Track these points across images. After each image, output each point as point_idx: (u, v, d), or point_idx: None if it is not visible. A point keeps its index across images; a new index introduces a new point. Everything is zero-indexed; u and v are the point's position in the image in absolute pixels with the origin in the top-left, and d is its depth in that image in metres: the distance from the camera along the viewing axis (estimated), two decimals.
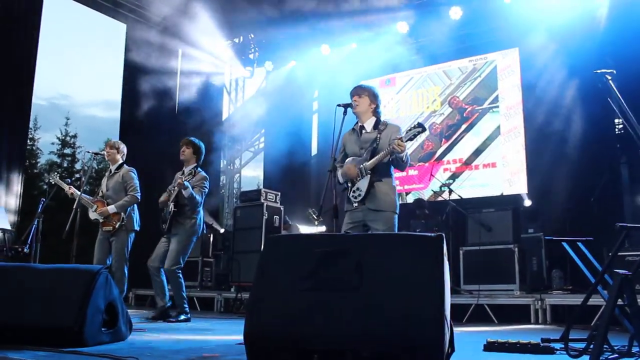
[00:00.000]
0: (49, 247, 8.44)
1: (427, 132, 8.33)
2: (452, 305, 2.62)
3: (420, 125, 3.83)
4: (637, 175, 6.97)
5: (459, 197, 7.62)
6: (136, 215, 5.61)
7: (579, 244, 3.24)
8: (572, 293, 6.01)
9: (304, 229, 8.54)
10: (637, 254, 5.00)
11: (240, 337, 2.35)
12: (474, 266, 6.57)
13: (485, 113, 8.91)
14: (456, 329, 2.58)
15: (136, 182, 5.56)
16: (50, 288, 3.19)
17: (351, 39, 9.91)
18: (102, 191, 5.63)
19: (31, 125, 21.22)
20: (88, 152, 5.77)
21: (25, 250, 6.51)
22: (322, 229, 7.65)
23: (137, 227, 5.59)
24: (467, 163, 8.92)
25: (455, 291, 6.50)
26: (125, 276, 5.37)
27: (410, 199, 9.15)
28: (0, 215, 7.01)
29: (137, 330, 3.95)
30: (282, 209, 8.12)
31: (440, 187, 8.24)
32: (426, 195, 8.98)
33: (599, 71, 3.23)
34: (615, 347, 2.58)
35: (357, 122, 4.19)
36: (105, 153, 5.70)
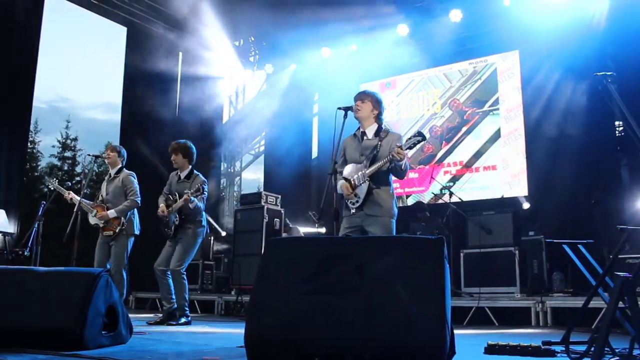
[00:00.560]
0: (49, 250, 8.43)
1: (427, 136, 8.32)
2: (452, 308, 2.62)
3: (420, 134, 3.83)
4: (637, 178, 6.97)
5: (460, 200, 7.61)
6: (136, 220, 5.61)
7: (580, 246, 3.24)
8: (573, 296, 6.01)
9: (305, 231, 8.54)
10: (638, 257, 5.00)
11: (241, 340, 2.35)
12: (475, 269, 6.56)
13: (486, 116, 8.91)
14: (457, 332, 2.58)
15: (136, 186, 5.56)
16: (51, 291, 3.19)
17: (351, 41, 9.91)
18: (101, 195, 5.63)
19: (32, 128, 21.17)
20: (89, 155, 5.76)
21: (25, 253, 6.51)
22: (323, 231, 7.65)
23: (137, 232, 5.59)
24: (468, 165, 8.91)
25: (455, 294, 6.50)
26: (124, 279, 5.36)
27: (410, 201, 9.14)
28: (1, 218, 7.01)
29: (138, 334, 3.94)
30: (282, 211, 8.12)
31: (441, 190, 8.23)
32: (426, 198, 8.98)
33: (599, 74, 3.23)
34: (617, 350, 2.57)
35: (358, 128, 4.19)
36: (106, 156, 5.71)
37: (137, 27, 10.01)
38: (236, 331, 4.32)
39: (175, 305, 5.34)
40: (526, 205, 7.83)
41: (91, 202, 5.59)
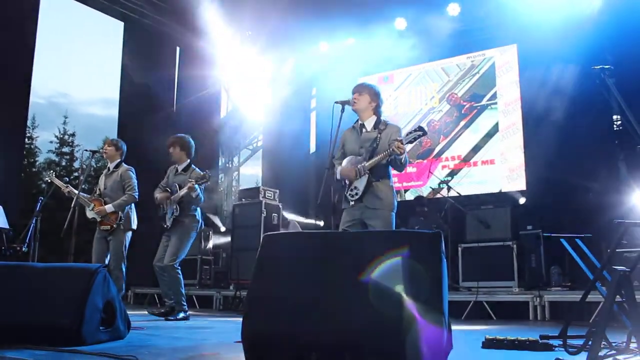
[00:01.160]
0: (47, 246, 8.43)
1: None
2: (450, 302, 2.62)
3: (420, 128, 3.83)
4: (635, 172, 6.97)
5: (458, 194, 7.61)
6: (134, 214, 5.60)
7: (578, 240, 3.24)
8: (571, 290, 6.03)
9: (303, 224, 8.54)
10: (635, 251, 5.01)
11: (239, 335, 2.35)
12: (473, 263, 6.56)
13: (484, 110, 8.91)
14: (455, 326, 2.58)
15: (134, 181, 5.55)
16: (49, 287, 3.19)
17: (349, 35, 9.90)
18: (99, 189, 5.62)
19: (29, 123, 21.20)
20: (86, 150, 5.74)
21: (23, 249, 6.49)
22: (321, 224, 7.66)
23: (134, 226, 5.58)
24: (466, 160, 8.92)
25: (453, 288, 6.51)
26: (123, 275, 5.36)
27: (409, 196, 9.14)
28: None
29: (136, 329, 3.94)
30: (280, 206, 8.11)
31: (439, 184, 8.23)
32: (425, 192, 8.98)
33: (597, 67, 3.22)
34: (614, 344, 2.58)
35: (357, 120, 4.18)
36: (104, 150, 5.70)
37: (135, 21, 9.97)
38: (234, 326, 4.32)
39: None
40: (522, 201, 7.83)
41: (88, 196, 5.57)
